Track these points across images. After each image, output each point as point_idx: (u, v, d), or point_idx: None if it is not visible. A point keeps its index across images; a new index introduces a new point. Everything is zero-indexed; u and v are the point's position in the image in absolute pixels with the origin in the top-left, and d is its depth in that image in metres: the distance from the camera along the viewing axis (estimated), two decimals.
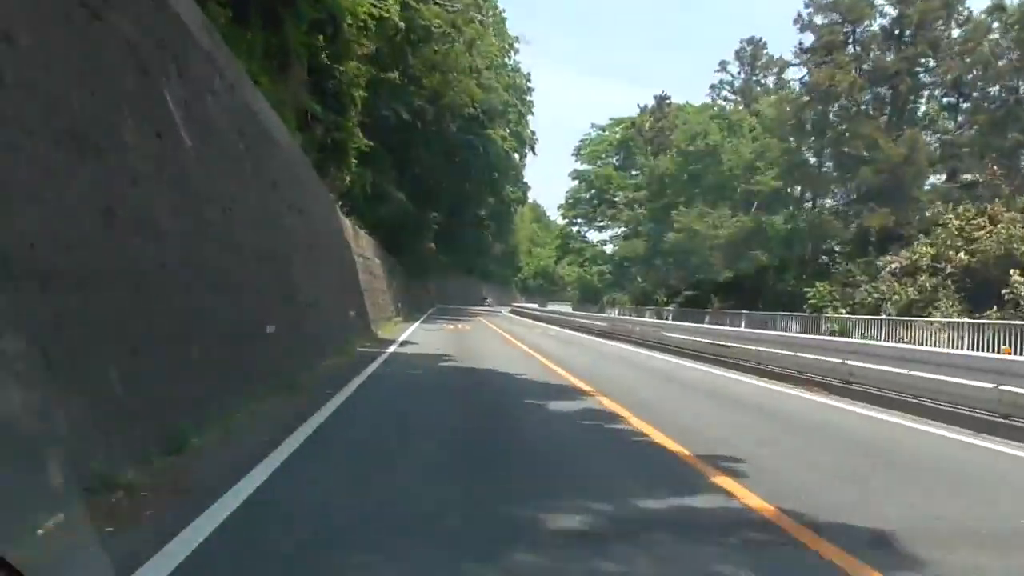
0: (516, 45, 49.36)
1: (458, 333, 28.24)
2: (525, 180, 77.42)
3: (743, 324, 26.13)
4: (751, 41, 41.50)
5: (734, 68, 43.25)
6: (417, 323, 33.29)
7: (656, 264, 40.38)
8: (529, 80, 54.76)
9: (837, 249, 29.52)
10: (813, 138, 31.16)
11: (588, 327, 33.87)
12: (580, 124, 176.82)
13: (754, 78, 42.13)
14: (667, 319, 34.49)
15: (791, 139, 32.78)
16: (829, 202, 32.45)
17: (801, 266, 29.26)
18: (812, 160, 32.99)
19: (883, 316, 19.58)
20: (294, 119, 20.67)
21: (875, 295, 21.59)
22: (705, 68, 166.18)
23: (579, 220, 59.45)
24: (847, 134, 27.05)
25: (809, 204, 34.39)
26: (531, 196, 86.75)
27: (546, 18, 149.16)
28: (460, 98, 36.12)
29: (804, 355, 14.65)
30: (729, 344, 18.17)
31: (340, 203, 26.08)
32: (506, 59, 49.89)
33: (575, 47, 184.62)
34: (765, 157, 33.73)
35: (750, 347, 17.17)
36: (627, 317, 34.08)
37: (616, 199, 55.86)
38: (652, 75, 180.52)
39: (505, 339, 25.80)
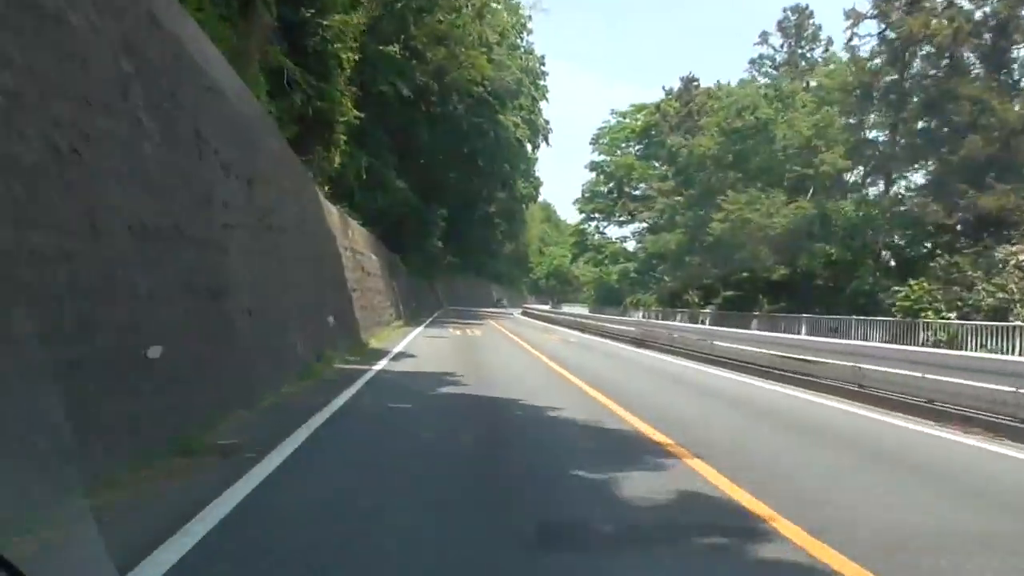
0: (529, 25, 45.39)
1: (466, 340, 24.29)
2: (537, 175, 73.60)
3: (803, 330, 22.05)
4: (796, 10, 37.16)
5: (776, 40, 38.98)
6: (420, 328, 29.34)
7: (689, 261, 35.84)
8: (543, 63, 50.67)
9: (903, 243, 25.28)
10: (887, 108, 26.63)
11: (613, 332, 29.86)
12: (588, 122, 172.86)
13: (800, 51, 37.70)
14: (704, 324, 30.42)
15: (858, 111, 28.33)
16: (909, 182, 27.54)
17: (876, 261, 24.99)
18: (882, 136, 28.67)
19: (1016, 322, 15.44)
20: (265, 80, 16.81)
21: (998, 295, 17.36)
22: (727, 60, 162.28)
23: (597, 215, 55.05)
24: (944, 97, 22.53)
25: (876, 188, 29.94)
26: (541, 193, 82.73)
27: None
28: (468, 73, 32.13)
29: (942, 378, 10.60)
30: (814, 359, 14.13)
31: (327, 187, 22.23)
32: (518, 39, 45.96)
33: (581, 42, 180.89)
34: (826, 134, 29.30)
35: (845, 363, 13.16)
36: (659, 321, 30.00)
37: (636, 192, 51.52)
38: (663, 72, 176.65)
39: (522, 347, 21.83)
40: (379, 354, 16.42)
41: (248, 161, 11.03)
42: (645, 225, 50.18)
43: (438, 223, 51.33)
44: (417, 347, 19.53)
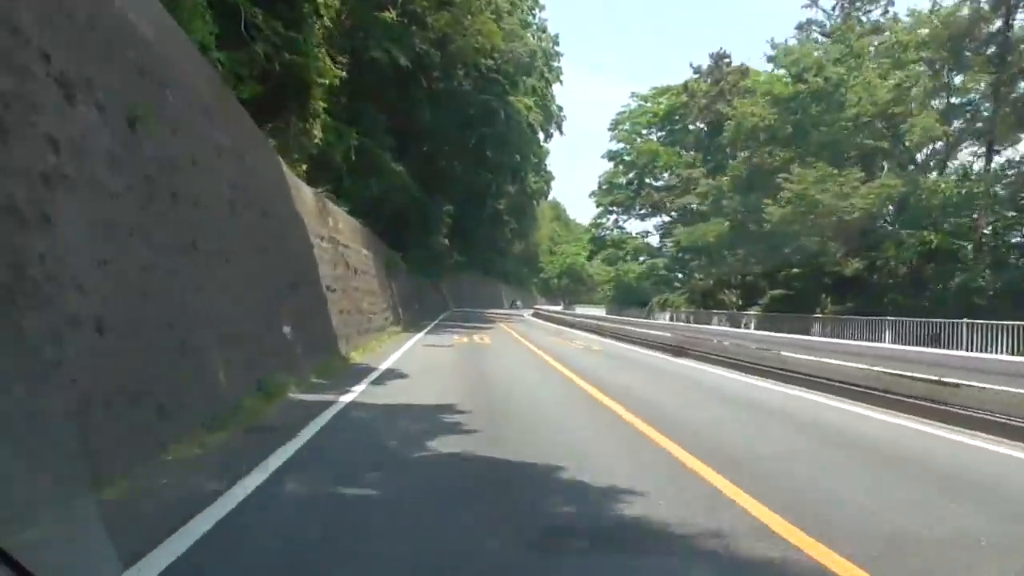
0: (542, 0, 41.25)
1: (473, 350, 20.35)
2: (548, 169, 69.84)
3: (886, 337, 17.99)
4: None
5: (827, 2, 34.31)
6: (420, 335, 25.43)
7: (731, 255, 31.20)
8: (557, 43, 46.46)
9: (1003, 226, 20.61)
10: (986, 64, 22.10)
11: (641, 338, 25.87)
12: (595, 121, 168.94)
13: (856, 13, 33.11)
14: (748, 328, 26.36)
15: (948, 69, 23.86)
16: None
17: (981, 249, 20.57)
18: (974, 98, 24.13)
19: None
20: (211, 19, 12.93)
21: None
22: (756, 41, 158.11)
23: (615, 208, 50.63)
24: None
25: (961, 160, 25.24)
26: (552, 189, 78.68)
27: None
28: (476, 41, 28.06)
29: None
30: (957, 382, 10.12)
31: (304, 166, 18.37)
32: (531, 15, 41.91)
33: (581, 38, 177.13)
34: (905, 99, 24.54)
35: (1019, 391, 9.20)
36: (698, 326, 25.95)
37: (659, 183, 47.22)
38: (672, 68, 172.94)
39: (540, 359, 17.87)
40: (359, 374, 12.49)
41: (131, 89, 7.12)
42: (668, 218, 45.97)
43: (443, 218, 47.46)
44: (412, 361, 15.60)
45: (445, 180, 37.88)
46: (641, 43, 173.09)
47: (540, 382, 13.10)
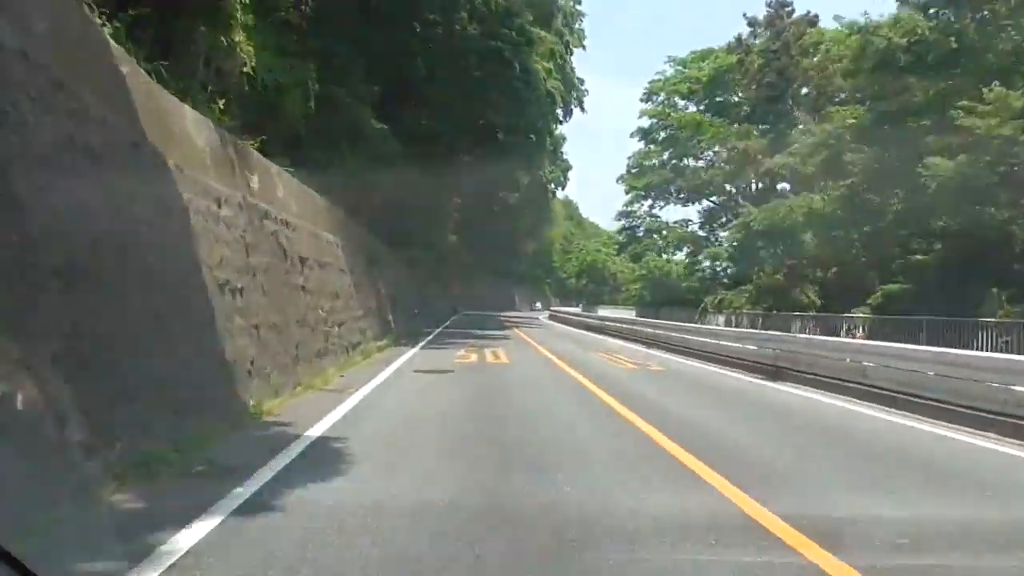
0: None
1: (483, 376, 13.75)
2: (565, 157, 63.36)
3: None
4: None
5: None
6: (413, 350, 18.94)
7: (837, 236, 23.78)
8: (578, 1, 39.77)
9: None
10: None
11: (707, 351, 19.37)
12: (599, 124, 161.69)
13: None
14: (854, 336, 19.68)
15: None
16: None
17: None
18: None
19: None
20: None
21: None
22: None
23: (648, 192, 43.48)
24: None
25: None
26: (570, 179, 71.91)
27: None
28: None
29: None
30: None
31: (220, 103, 11.86)
32: None
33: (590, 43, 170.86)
34: None
35: None
36: (779, 334, 19.17)
37: (700, 163, 40.27)
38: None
39: (588, 391, 11.26)
40: (247, 462, 5.88)
41: None
42: (712, 203, 39.16)
43: (450, 212, 41.43)
44: (378, 412, 9.03)
45: (450, 167, 31.43)
46: (643, 44, 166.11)
47: (629, 480, 6.54)
